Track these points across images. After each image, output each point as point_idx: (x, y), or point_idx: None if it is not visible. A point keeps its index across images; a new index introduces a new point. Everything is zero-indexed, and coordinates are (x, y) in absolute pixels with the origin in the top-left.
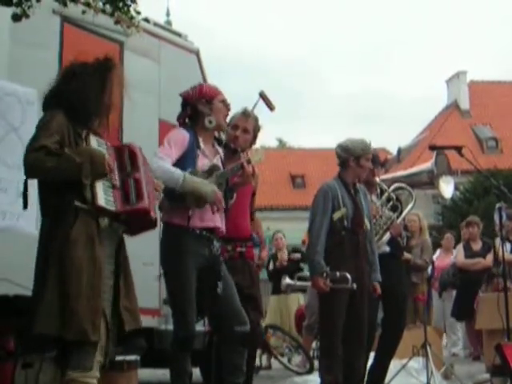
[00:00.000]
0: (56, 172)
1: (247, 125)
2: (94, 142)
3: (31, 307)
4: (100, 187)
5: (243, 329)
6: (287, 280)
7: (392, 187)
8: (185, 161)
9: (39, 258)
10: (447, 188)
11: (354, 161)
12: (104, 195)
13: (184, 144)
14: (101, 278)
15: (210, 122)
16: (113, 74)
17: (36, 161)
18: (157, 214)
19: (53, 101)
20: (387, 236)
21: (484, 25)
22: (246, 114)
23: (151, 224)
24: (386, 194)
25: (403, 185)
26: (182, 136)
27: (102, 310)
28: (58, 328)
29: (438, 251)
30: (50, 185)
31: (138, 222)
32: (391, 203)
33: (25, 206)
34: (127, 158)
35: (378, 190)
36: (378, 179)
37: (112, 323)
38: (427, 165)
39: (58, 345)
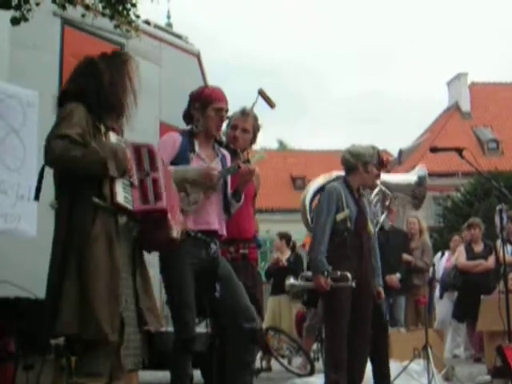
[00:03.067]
0: (81, 163)
1: (246, 124)
2: (113, 139)
3: (49, 303)
4: (119, 184)
5: (252, 325)
6: (291, 280)
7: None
8: (177, 164)
9: (56, 254)
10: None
11: (363, 166)
12: (124, 193)
13: (175, 147)
14: (119, 278)
15: (196, 126)
16: (128, 68)
17: (62, 148)
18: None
19: (72, 96)
20: None
21: (485, 26)
22: (244, 114)
23: (168, 234)
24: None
25: (386, 190)
26: (171, 140)
27: (120, 312)
28: (77, 327)
29: (447, 253)
30: (67, 179)
31: (154, 226)
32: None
33: (36, 197)
34: (146, 157)
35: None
36: (378, 182)
37: (134, 324)
38: (420, 179)
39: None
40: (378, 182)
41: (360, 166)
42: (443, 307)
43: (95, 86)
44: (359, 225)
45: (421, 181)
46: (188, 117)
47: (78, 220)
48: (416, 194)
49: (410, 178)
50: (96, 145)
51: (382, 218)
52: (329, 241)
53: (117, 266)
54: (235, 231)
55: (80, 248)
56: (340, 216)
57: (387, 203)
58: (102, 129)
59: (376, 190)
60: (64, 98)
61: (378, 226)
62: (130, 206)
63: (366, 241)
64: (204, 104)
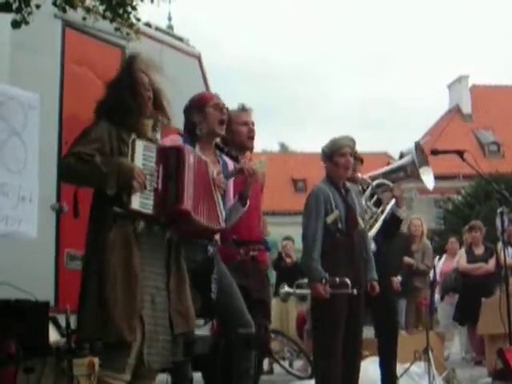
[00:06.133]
0: (84, 179)
1: (252, 118)
2: (140, 146)
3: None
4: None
5: (247, 331)
6: (286, 288)
7: (374, 183)
8: None
9: (84, 261)
10: (428, 178)
11: (329, 161)
12: (141, 199)
13: None
14: (136, 281)
15: (201, 129)
16: (136, 65)
17: (67, 166)
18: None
19: (98, 112)
20: (373, 232)
21: (487, 29)
22: (246, 109)
23: (203, 229)
24: (369, 189)
25: (384, 181)
26: (172, 143)
27: (140, 314)
28: (98, 332)
29: (444, 256)
30: (97, 191)
31: (184, 226)
32: (375, 198)
33: (76, 214)
34: (173, 160)
35: (360, 187)
36: (359, 175)
37: (163, 325)
38: (408, 158)
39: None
40: (367, 177)
41: (327, 161)
42: (445, 311)
43: (114, 96)
44: (350, 223)
45: (407, 161)
46: (190, 126)
47: (101, 230)
48: (409, 174)
49: (398, 161)
50: (102, 160)
51: (389, 207)
52: (321, 244)
53: (134, 271)
54: (246, 233)
55: (99, 256)
56: (331, 218)
57: (384, 192)
58: (132, 137)
59: (368, 191)
60: (96, 111)
61: (383, 217)
62: (147, 211)
63: (358, 239)
64: (201, 106)
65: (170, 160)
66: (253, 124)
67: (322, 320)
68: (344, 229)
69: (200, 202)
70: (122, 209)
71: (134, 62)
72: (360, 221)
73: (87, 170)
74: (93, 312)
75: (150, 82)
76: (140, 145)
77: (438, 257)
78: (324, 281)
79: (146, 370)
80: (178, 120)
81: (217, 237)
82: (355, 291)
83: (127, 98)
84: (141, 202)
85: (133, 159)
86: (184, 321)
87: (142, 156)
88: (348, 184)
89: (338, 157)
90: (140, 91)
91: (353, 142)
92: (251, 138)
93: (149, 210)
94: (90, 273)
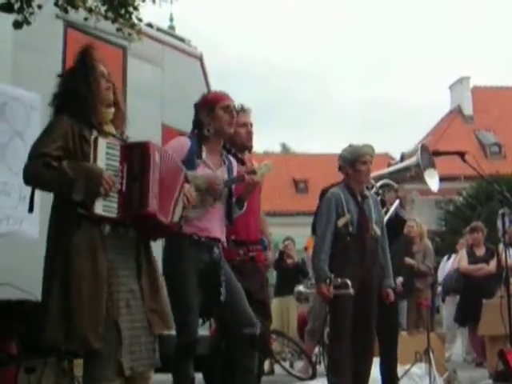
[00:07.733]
0: (50, 185)
1: (251, 119)
2: (102, 145)
3: (39, 312)
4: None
5: (252, 331)
6: (300, 288)
7: (379, 183)
8: None
9: (46, 265)
10: (433, 181)
11: (350, 168)
12: (104, 202)
13: (182, 153)
14: (102, 285)
15: (208, 130)
16: (91, 54)
17: (33, 172)
18: (176, 218)
19: (56, 105)
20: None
21: (487, 30)
22: (245, 109)
23: (166, 228)
24: (373, 190)
25: (389, 181)
26: (179, 145)
27: (114, 320)
28: (62, 339)
29: (453, 256)
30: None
31: (148, 227)
32: (378, 198)
33: (30, 209)
34: (138, 158)
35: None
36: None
37: (142, 327)
38: (413, 160)
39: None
40: (371, 179)
41: (348, 167)
42: (450, 312)
43: (68, 85)
44: (362, 228)
45: (412, 163)
46: (198, 124)
47: (63, 232)
48: (414, 175)
49: (404, 162)
50: (69, 165)
51: (393, 208)
52: (332, 246)
53: (101, 274)
54: (244, 234)
55: (63, 260)
56: (341, 221)
57: (389, 193)
58: (94, 134)
59: (372, 191)
60: (52, 103)
61: (387, 217)
62: (111, 215)
63: (370, 243)
64: (211, 107)
65: (135, 158)
66: (251, 125)
67: (331, 317)
68: (355, 232)
69: (165, 200)
70: (86, 211)
71: (88, 51)
72: (375, 227)
73: (54, 176)
74: (57, 318)
75: (109, 73)
76: (102, 143)
77: (446, 256)
78: (328, 281)
79: (135, 374)
80: (179, 121)
81: (223, 239)
82: (352, 291)
83: (81, 88)
84: (104, 205)
85: (95, 159)
86: (160, 320)
87: (106, 156)
88: (368, 192)
89: (360, 164)
90: (96, 78)
91: (373, 150)
92: (250, 138)
93: (113, 213)
94: (54, 279)
